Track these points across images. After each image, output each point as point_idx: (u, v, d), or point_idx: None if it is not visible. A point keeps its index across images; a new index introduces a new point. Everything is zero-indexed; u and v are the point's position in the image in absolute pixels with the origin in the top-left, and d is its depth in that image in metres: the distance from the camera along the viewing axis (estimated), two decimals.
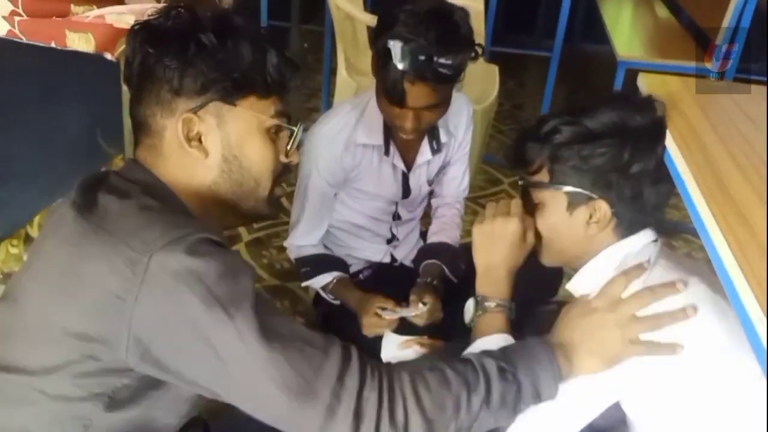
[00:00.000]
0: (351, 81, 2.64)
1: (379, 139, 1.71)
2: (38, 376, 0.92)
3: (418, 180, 1.86)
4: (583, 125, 1.16)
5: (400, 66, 1.45)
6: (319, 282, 1.84)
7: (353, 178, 1.78)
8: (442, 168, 1.91)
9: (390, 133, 1.70)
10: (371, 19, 2.60)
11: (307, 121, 3.13)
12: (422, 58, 1.44)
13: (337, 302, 1.85)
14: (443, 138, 1.79)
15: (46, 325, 0.91)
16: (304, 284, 1.90)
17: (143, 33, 0.99)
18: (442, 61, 1.45)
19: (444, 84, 1.51)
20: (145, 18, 1.01)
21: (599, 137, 1.15)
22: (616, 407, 1.21)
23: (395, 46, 1.45)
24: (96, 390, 0.91)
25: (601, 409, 1.12)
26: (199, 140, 0.99)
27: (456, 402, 0.94)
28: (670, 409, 1.10)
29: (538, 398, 1.03)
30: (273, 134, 1.05)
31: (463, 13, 1.52)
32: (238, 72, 0.98)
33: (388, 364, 0.97)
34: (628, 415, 1.19)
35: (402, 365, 0.97)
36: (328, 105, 3.26)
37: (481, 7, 2.71)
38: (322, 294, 1.87)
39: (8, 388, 0.94)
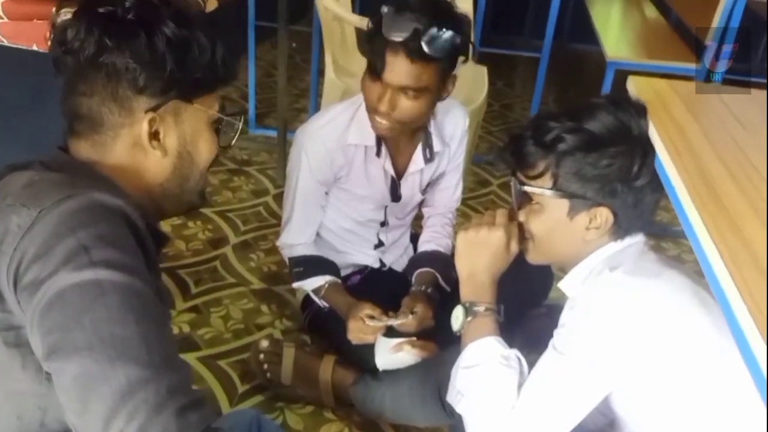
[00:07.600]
0: (339, 83, 2.62)
1: (371, 140, 1.69)
2: None
3: (411, 188, 1.85)
4: (586, 131, 1.14)
5: (386, 34, 1.46)
6: (310, 284, 1.82)
7: (343, 178, 1.76)
8: (436, 178, 1.89)
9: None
10: (359, 21, 2.58)
11: (295, 122, 3.11)
12: (410, 29, 1.44)
13: (326, 306, 1.83)
14: (437, 147, 1.77)
15: None
16: (295, 285, 1.87)
17: (100, 22, 0.89)
18: (428, 36, 1.44)
19: (426, 63, 1.48)
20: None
21: (604, 144, 1.14)
22: (603, 410, 1.21)
23: (387, 13, 1.46)
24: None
25: (594, 402, 1.11)
26: (158, 139, 0.95)
27: None
28: (659, 399, 1.11)
29: None
30: (217, 127, 1.03)
31: (463, 17, 1.54)
32: (200, 70, 0.94)
33: None
34: (617, 413, 1.19)
35: None
36: (317, 106, 3.24)
37: (470, 7, 2.70)
38: (313, 297, 1.85)
39: None
